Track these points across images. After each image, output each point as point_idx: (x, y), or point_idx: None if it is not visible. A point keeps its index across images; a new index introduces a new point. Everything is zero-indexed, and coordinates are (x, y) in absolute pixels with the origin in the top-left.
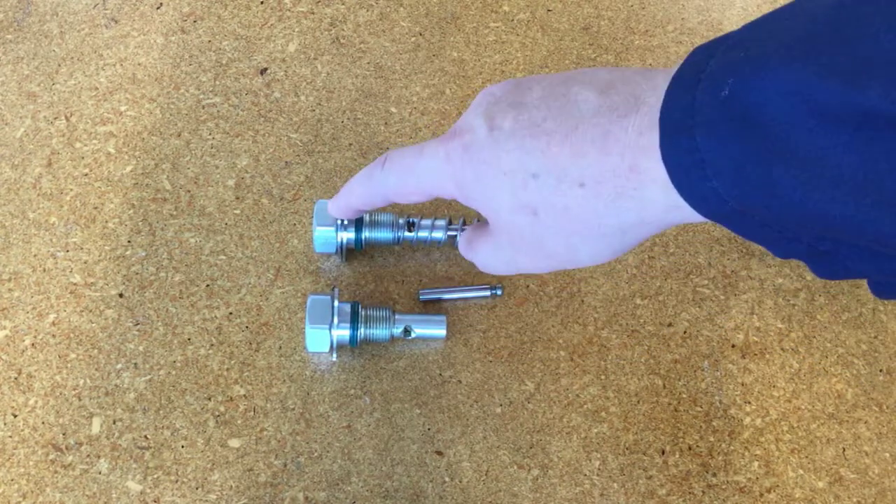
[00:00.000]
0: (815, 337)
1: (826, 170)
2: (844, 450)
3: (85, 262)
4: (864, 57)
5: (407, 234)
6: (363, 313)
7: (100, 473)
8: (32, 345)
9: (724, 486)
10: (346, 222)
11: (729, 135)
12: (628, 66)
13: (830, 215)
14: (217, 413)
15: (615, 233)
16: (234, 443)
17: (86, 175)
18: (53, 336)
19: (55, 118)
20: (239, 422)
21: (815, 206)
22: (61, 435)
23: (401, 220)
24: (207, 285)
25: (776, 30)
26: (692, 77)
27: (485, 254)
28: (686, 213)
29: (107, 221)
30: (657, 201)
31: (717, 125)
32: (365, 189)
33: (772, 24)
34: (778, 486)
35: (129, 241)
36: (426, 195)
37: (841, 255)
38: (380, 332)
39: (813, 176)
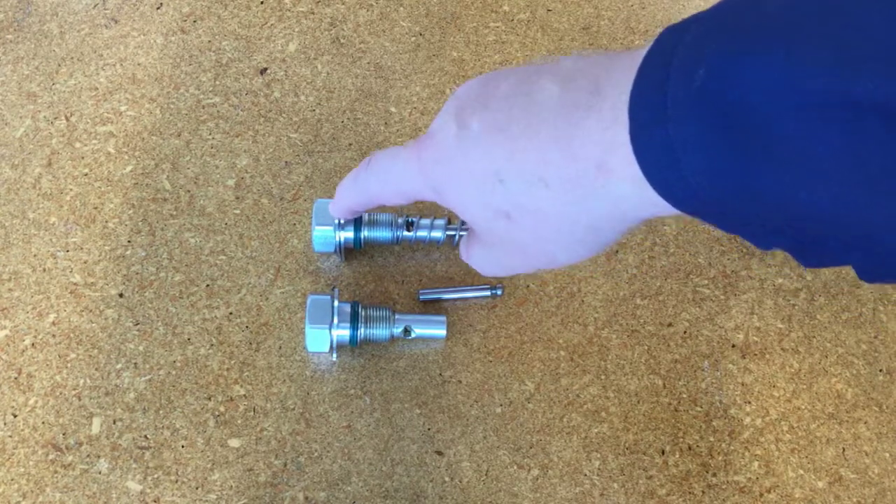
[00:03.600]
0: (815, 337)
1: (810, 162)
2: (844, 450)
3: (85, 262)
4: (852, 42)
5: (406, 233)
6: (363, 313)
7: (100, 473)
8: (32, 345)
9: (724, 486)
10: (343, 221)
11: (705, 127)
12: (595, 51)
13: (814, 208)
14: (217, 413)
15: (589, 231)
16: (234, 443)
17: (86, 175)
18: (53, 336)
19: (55, 118)
20: (239, 422)
21: (797, 199)
22: (61, 435)
23: (400, 220)
24: (207, 285)
25: (751, 10)
26: (662, 66)
27: (478, 257)
28: (662, 208)
29: (107, 221)
30: (629, 198)
31: (691, 117)
32: (353, 192)
33: (747, 3)
34: (778, 486)
35: (129, 241)
36: (408, 199)
37: (825, 245)
38: (380, 332)
39: (796, 168)
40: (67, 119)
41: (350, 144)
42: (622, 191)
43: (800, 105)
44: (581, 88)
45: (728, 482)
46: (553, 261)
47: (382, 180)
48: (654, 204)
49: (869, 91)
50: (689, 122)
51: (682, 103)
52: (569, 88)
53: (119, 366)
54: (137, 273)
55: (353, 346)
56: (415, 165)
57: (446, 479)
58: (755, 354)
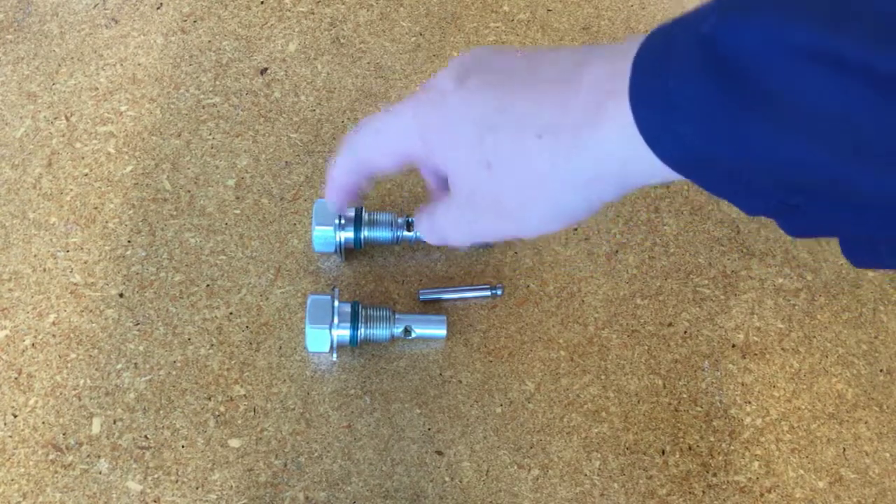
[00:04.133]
0: (815, 337)
1: (802, 114)
2: (845, 450)
3: (85, 262)
4: (841, 4)
5: (406, 233)
6: (363, 313)
7: (100, 473)
8: (33, 345)
9: (724, 486)
10: (343, 221)
11: (702, 76)
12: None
13: (804, 162)
14: (217, 413)
15: (569, 189)
16: (235, 443)
17: (86, 175)
18: (54, 336)
19: (55, 118)
20: (239, 422)
21: (787, 152)
22: (61, 435)
23: (400, 220)
24: (207, 285)
25: None
26: (672, 24)
27: (444, 221)
28: (645, 166)
29: (107, 221)
30: (614, 152)
31: (690, 66)
32: (344, 161)
33: None
34: (778, 486)
35: (129, 241)
36: (396, 156)
37: (811, 210)
38: (380, 332)
39: (788, 120)
40: (67, 119)
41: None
42: (610, 143)
43: (791, 55)
44: (591, 50)
45: (728, 482)
46: (524, 225)
47: (373, 137)
48: (639, 160)
49: (856, 52)
50: (687, 71)
51: (682, 52)
52: (578, 50)
53: (119, 366)
54: (138, 273)
55: (354, 346)
56: (409, 114)
57: (446, 479)
58: (755, 354)
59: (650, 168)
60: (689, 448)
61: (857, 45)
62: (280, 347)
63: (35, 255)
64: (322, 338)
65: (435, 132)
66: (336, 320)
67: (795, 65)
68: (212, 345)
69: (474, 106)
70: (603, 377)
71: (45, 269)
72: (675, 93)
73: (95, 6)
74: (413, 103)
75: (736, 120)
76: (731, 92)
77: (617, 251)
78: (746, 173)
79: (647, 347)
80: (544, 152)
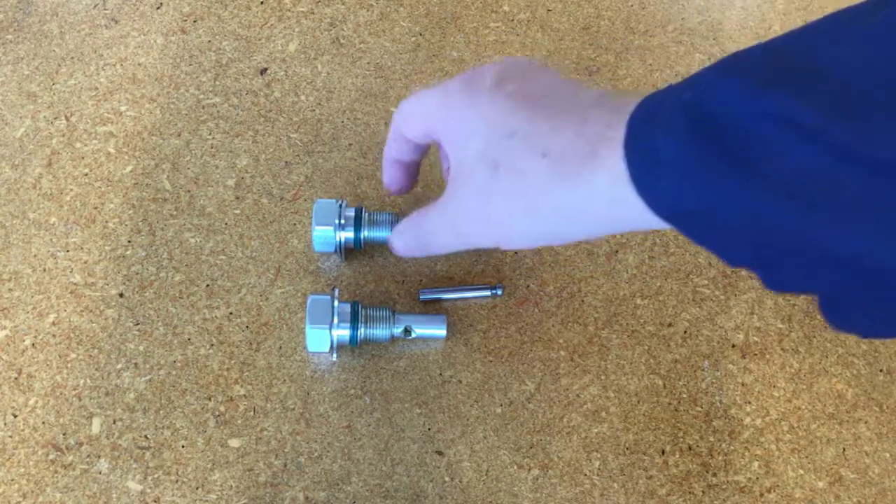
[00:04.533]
0: (815, 337)
1: (771, 176)
2: (844, 450)
3: (85, 262)
4: (805, 71)
5: None
6: (363, 313)
7: (100, 473)
8: (33, 345)
9: (724, 486)
10: (343, 221)
11: (686, 135)
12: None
13: (774, 221)
14: (217, 413)
15: (556, 213)
16: (234, 443)
17: (86, 175)
18: (54, 336)
19: (55, 118)
20: (239, 422)
21: (761, 211)
22: (61, 435)
23: (399, 220)
24: (207, 285)
25: (732, 57)
26: (662, 92)
27: (431, 218)
28: (634, 212)
29: (107, 221)
30: (604, 192)
31: (675, 126)
32: (391, 133)
33: (742, 52)
34: (778, 486)
35: (129, 241)
36: (420, 130)
37: (788, 266)
38: (380, 331)
39: (760, 181)
40: (67, 119)
41: (350, 144)
42: (600, 183)
43: (759, 121)
44: (604, 94)
45: (728, 482)
46: (506, 235)
47: (406, 109)
48: (628, 205)
49: (816, 121)
50: (672, 130)
51: (669, 112)
52: (599, 93)
53: (119, 366)
54: (137, 273)
55: (353, 346)
56: (438, 93)
57: (446, 479)
58: (755, 354)
59: (639, 214)
60: (689, 448)
61: (818, 115)
62: (280, 347)
63: (35, 255)
64: (322, 338)
65: (457, 117)
66: (336, 320)
67: (766, 130)
68: (212, 345)
69: (503, 109)
70: (603, 377)
71: (45, 269)
72: (662, 150)
73: (95, 6)
74: (449, 83)
75: (714, 178)
76: (710, 153)
77: (617, 251)
78: (726, 228)
79: (647, 347)
80: (545, 172)
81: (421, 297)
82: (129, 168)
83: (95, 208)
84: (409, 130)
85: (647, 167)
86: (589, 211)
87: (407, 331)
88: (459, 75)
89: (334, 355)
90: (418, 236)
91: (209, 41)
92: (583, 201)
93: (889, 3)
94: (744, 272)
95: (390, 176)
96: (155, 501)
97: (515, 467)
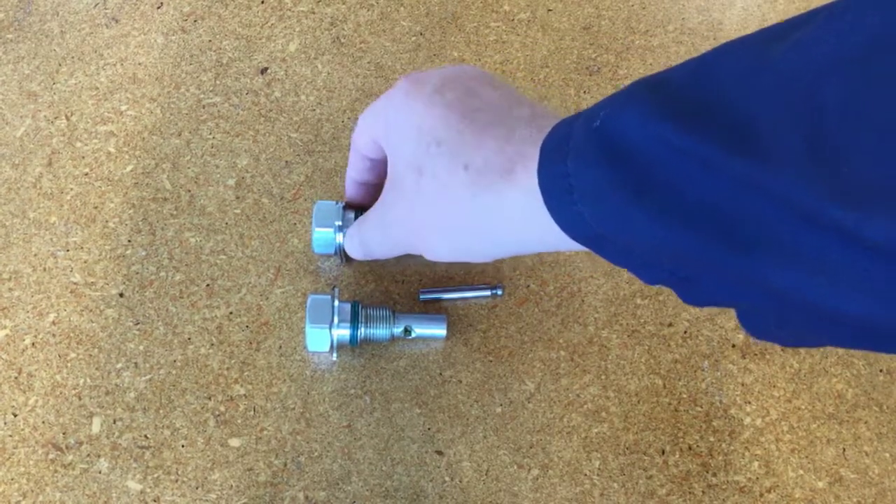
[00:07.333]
0: None
1: (672, 201)
2: (844, 450)
3: (85, 262)
4: (702, 102)
5: None
6: (363, 313)
7: (100, 473)
8: (32, 344)
9: (724, 486)
10: (343, 223)
11: (594, 162)
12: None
13: (679, 245)
14: (217, 412)
15: (473, 227)
16: (234, 442)
17: (86, 174)
18: (53, 335)
19: (55, 118)
20: (239, 421)
21: (665, 235)
22: (61, 434)
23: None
24: (207, 285)
25: (636, 85)
26: (574, 117)
27: (369, 222)
28: (550, 235)
29: (107, 221)
30: (517, 209)
31: (585, 152)
32: (350, 151)
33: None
34: (778, 486)
35: (129, 241)
36: (367, 139)
37: (703, 282)
38: (380, 331)
39: (662, 206)
40: (68, 118)
41: (350, 144)
42: (515, 201)
43: (660, 148)
44: (542, 117)
45: (728, 482)
46: (430, 244)
47: (361, 121)
48: (543, 226)
49: (715, 152)
50: (583, 156)
51: (579, 139)
52: (537, 114)
53: (119, 365)
54: (137, 273)
55: (354, 345)
56: (383, 100)
57: (446, 478)
58: (755, 354)
59: (556, 236)
60: (689, 448)
61: (716, 146)
62: (280, 347)
63: (35, 255)
64: (322, 337)
65: (394, 123)
66: (336, 320)
67: (666, 159)
68: (212, 344)
69: (437, 117)
70: (603, 377)
71: (45, 269)
72: (573, 176)
73: (96, 6)
74: (392, 89)
75: (621, 206)
76: (616, 181)
77: None
78: (637, 249)
79: (647, 347)
80: (463, 184)
81: (421, 297)
82: (129, 167)
83: (95, 208)
84: (361, 143)
85: (558, 192)
86: (504, 228)
87: (407, 331)
88: (405, 77)
89: (334, 355)
90: (361, 241)
91: (209, 41)
92: (498, 218)
93: (784, 38)
94: None
95: (351, 197)
96: (155, 501)
97: (515, 467)
